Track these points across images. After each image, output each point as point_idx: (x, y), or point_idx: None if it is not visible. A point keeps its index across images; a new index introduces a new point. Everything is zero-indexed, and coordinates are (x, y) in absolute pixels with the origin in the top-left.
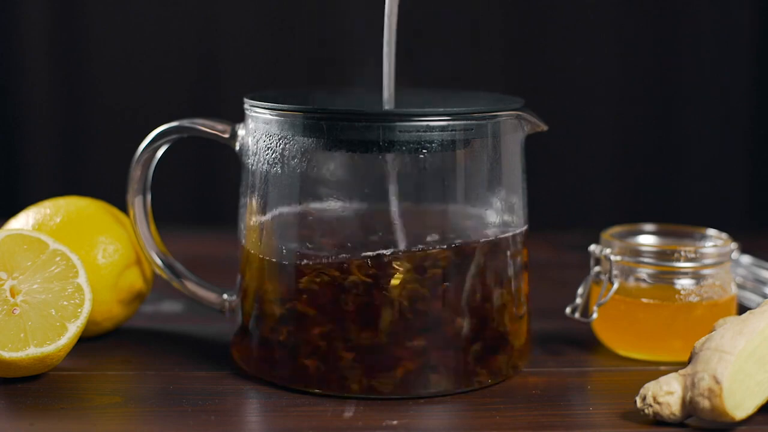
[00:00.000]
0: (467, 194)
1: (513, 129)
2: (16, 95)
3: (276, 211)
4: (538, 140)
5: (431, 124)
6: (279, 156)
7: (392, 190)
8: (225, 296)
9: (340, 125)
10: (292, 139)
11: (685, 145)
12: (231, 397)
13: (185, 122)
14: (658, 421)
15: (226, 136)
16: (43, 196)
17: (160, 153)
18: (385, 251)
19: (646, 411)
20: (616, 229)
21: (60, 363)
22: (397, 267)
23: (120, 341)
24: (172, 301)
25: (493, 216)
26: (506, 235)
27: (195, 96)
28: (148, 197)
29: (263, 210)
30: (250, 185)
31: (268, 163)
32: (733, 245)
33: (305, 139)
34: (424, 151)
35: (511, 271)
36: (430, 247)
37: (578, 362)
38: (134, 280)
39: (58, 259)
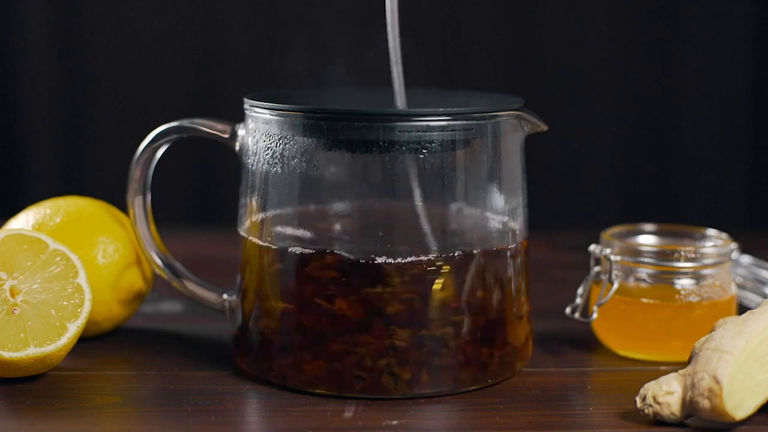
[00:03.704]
0: (467, 194)
1: (513, 129)
2: (16, 95)
3: (276, 211)
4: (538, 140)
5: (431, 124)
6: (279, 156)
7: (416, 191)
8: (225, 296)
9: (340, 125)
10: (292, 139)
11: (685, 145)
12: (231, 397)
13: (185, 122)
14: (658, 421)
15: (226, 136)
16: (43, 196)
17: (160, 153)
18: (385, 250)
19: (646, 411)
20: (616, 229)
21: (60, 363)
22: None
23: (120, 341)
24: (172, 301)
25: (493, 216)
26: (506, 235)
27: (195, 96)
28: (148, 197)
29: (263, 210)
30: (250, 185)
31: (268, 163)
32: (733, 245)
33: (305, 139)
34: (424, 151)
35: (511, 272)
36: (431, 247)
37: (578, 362)
38: (134, 280)
39: (58, 259)
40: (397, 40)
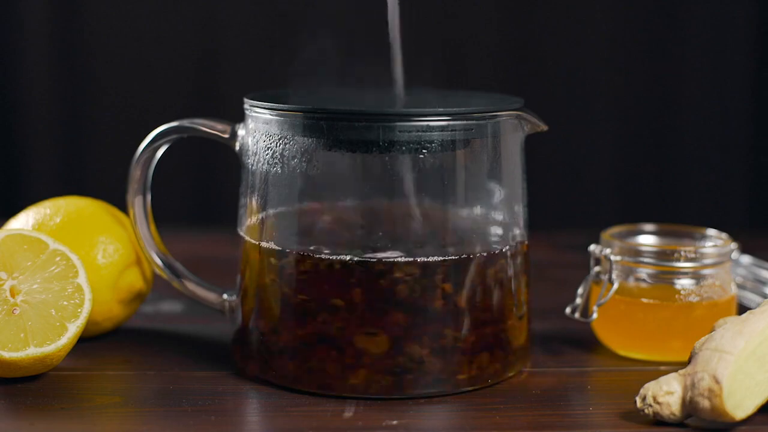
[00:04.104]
0: (467, 194)
1: (513, 129)
2: (16, 95)
3: (276, 211)
4: (538, 140)
5: (431, 124)
6: (279, 156)
7: (408, 186)
8: (225, 296)
9: (340, 125)
10: (292, 139)
11: (685, 145)
12: (231, 397)
13: (185, 122)
14: (658, 421)
15: (226, 136)
16: (43, 196)
17: (160, 153)
18: (385, 251)
19: (646, 411)
20: (616, 229)
21: (60, 363)
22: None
23: (120, 341)
24: (172, 301)
25: (493, 216)
26: (506, 235)
27: (195, 96)
28: (148, 197)
29: (263, 210)
30: (250, 185)
31: (268, 163)
32: (733, 245)
33: (305, 139)
34: (424, 151)
35: (511, 271)
36: (431, 248)
37: (578, 362)
38: (134, 280)
39: (58, 259)
40: (398, 36)
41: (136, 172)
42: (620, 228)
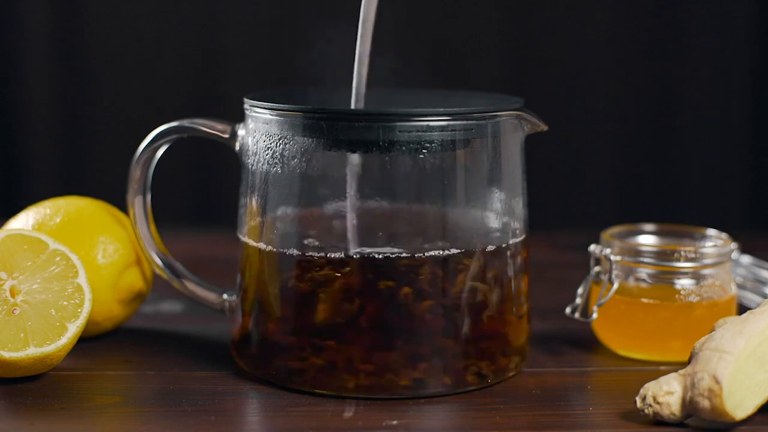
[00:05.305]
0: (467, 194)
1: (513, 129)
2: (16, 95)
3: (276, 211)
4: (538, 140)
5: (431, 124)
6: (279, 156)
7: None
8: (225, 296)
9: (340, 125)
10: (292, 139)
11: (685, 145)
12: (231, 397)
13: (185, 122)
14: (658, 421)
15: (226, 136)
16: (43, 196)
17: (160, 153)
18: (385, 250)
19: (646, 411)
20: (616, 229)
21: (60, 363)
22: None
23: (120, 341)
24: (172, 301)
25: (493, 216)
26: (506, 235)
27: (195, 96)
28: (148, 197)
29: (263, 210)
30: (250, 185)
31: (268, 163)
32: (733, 245)
33: (305, 139)
34: (424, 151)
35: (511, 271)
36: (431, 248)
37: (578, 362)
38: (134, 280)
39: (58, 259)
40: (369, 40)
41: (136, 172)
42: (620, 228)
